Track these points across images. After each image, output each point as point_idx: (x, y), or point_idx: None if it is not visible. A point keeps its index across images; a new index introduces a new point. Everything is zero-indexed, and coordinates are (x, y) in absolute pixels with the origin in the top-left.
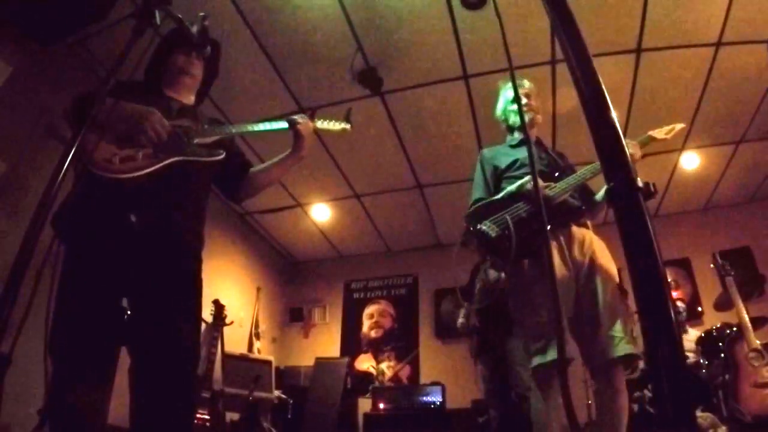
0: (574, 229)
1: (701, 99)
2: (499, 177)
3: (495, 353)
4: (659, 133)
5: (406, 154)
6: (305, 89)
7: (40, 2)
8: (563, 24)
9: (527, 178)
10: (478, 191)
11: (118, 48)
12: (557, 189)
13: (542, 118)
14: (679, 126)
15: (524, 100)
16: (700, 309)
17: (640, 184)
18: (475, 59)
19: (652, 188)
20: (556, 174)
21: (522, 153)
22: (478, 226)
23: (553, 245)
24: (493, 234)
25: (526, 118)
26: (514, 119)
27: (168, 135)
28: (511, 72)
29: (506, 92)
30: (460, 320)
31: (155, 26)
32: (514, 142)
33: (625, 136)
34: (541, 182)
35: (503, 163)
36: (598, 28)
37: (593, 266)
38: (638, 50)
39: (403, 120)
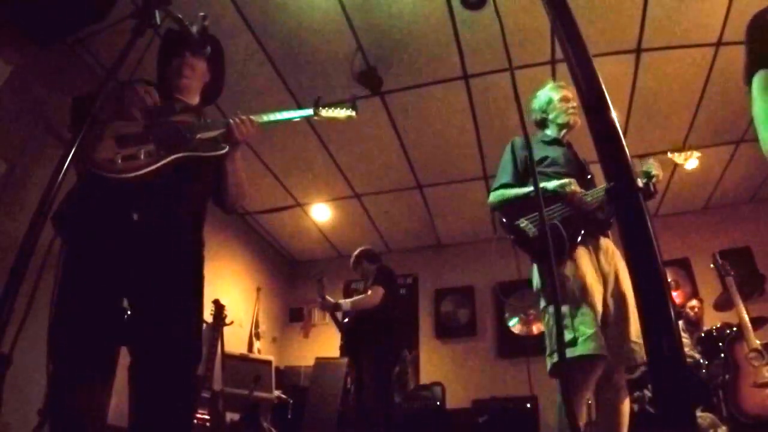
0: (601, 239)
1: (701, 99)
2: (528, 168)
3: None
4: (678, 158)
5: (406, 154)
6: (305, 89)
7: (40, 2)
8: (563, 24)
9: (567, 180)
10: (505, 176)
11: (118, 48)
12: (590, 198)
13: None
14: (696, 153)
15: (573, 103)
16: None
17: (640, 184)
18: (475, 59)
19: (652, 188)
20: (588, 177)
21: (554, 152)
22: (517, 223)
23: (584, 252)
24: (530, 234)
25: (571, 120)
26: (559, 116)
27: (169, 127)
28: (511, 72)
29: (553, 91)
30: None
31: (155, 26)
32: (547, 139)
33: (625, 136)
34: (578, 187)
35: (535, 155)
36: (598, 28)
37: (618, 275)
38: (638, 50)
39: (403, 120)
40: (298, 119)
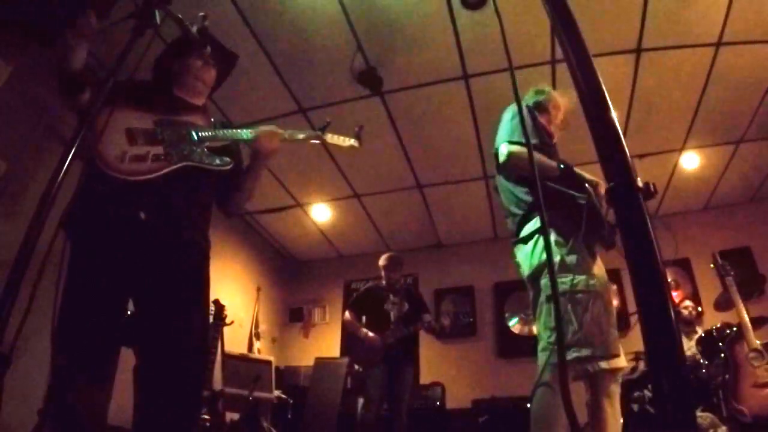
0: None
1: (701, 99)
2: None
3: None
4: None
5: (406, 154)
6: (305, 89)
7: (40, 2)
8: (563, 24)
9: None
10: (533, 137)
11: (118, 48)
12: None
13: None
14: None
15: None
16: (700, 309)
17: (640, 184)
18: (475, 59)
19: (652, 188)
20: None
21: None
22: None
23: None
24: (582, 201)
25: (558, 134)
26: (556, 125)
27: (179, 128)
28: (511, 72)
29: (563, 100)
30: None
31: (155, 26)
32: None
33: (625, 136)
34: (602, 183)
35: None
36: (598, 28)
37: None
38: (638, 50)
39: (403, 120)
40: (304, 140)
